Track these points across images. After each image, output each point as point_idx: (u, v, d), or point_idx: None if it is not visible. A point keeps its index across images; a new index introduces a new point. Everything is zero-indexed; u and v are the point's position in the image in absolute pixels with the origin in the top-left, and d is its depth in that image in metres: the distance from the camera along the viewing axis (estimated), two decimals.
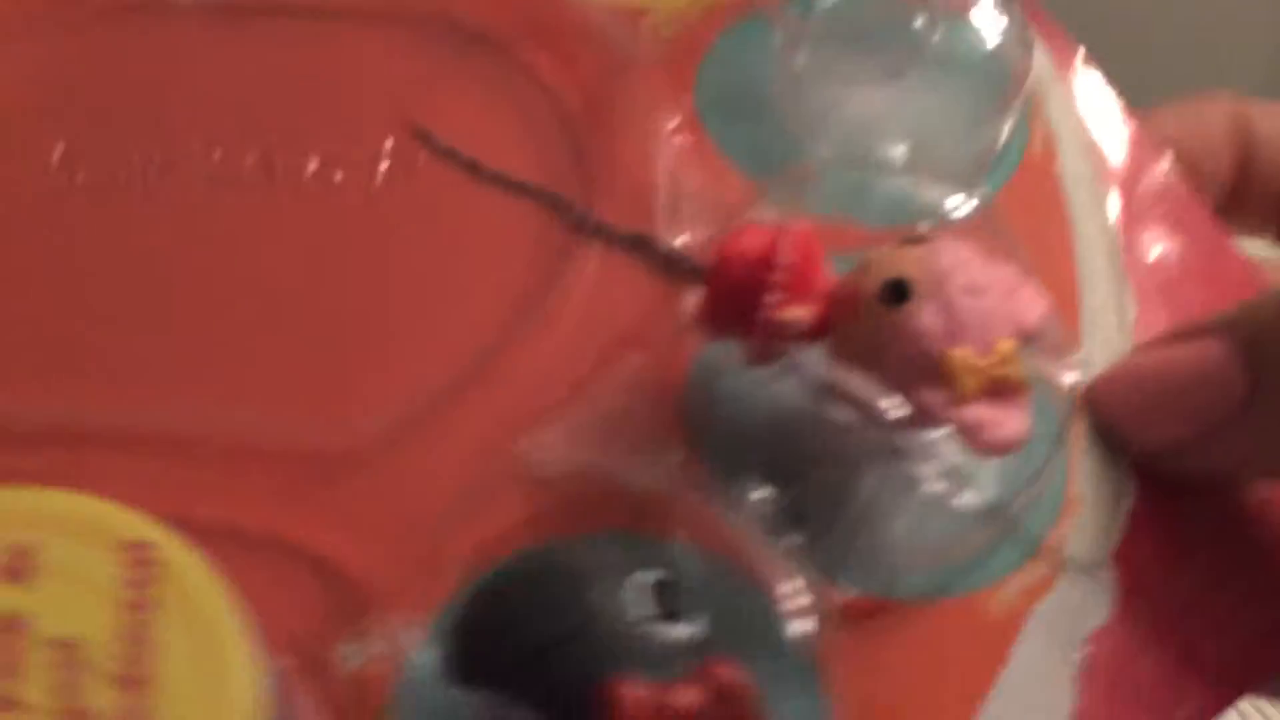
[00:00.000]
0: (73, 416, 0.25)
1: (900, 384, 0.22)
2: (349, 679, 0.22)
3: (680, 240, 0.27)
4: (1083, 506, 0.25)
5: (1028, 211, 0.29)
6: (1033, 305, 0.23)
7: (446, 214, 0.28)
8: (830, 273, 0.24)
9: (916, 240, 0.24)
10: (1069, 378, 0.25)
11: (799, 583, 0.21)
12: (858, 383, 0.23)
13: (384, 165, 0.29)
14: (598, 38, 0.31)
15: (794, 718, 0.21)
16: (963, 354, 0.22)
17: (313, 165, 0.29)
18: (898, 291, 0.22)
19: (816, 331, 0.23)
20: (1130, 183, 0.29)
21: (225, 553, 0.21)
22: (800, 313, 0.23)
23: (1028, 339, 0.23)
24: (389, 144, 0.29)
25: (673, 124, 0.29)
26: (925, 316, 0.22)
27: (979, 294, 0.22)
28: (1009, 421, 0.22)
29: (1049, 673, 0.23)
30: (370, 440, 0.25)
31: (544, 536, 0.23)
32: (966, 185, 0.27)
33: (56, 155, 0.29)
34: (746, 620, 0.21)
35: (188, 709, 0.17)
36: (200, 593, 0.18)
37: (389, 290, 0.27)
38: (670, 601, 0.20)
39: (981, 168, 0.29)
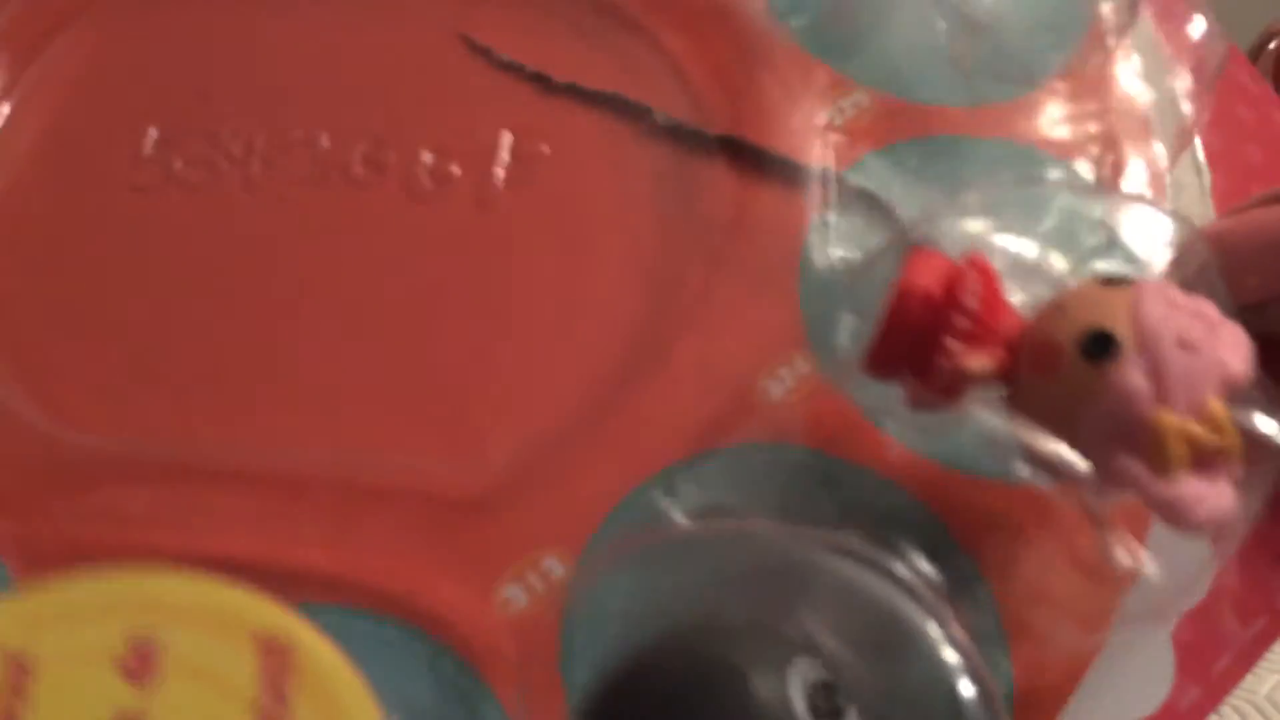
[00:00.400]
0: (164, 447, 0.23)
1: (1096, 447, 0.20)
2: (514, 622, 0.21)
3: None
4: None
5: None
6: (1237, 348, 0.21)
7: (567, 220, 0.26)
8: (1015, 314, 0.21)
9: (1116, 282, 0.21)
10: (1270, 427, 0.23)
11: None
12: (1043, 441, 0.20)
13: (502, 159, 0.27)
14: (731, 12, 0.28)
15: None
16: (1177, 420, 0.19)
17: (427, 159, 0.27)
18: (1104, 345, 0.20)
19: (998, 378, 0.21)
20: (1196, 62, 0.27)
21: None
22: (986, 361, 0.21)
23: (1235, 391, 0.20)
24: (506, 139, 0.27)
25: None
26: (1135, 375, 0.20)
27: (1191, 350, 0.20)
28: (1219, 496, 0.20)
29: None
30: (497, 481, 0.23)
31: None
32: None
33: (150, 143, 0.27)
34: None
35: None
36: (341, 693, 0.16)
37: (510, 308, 0.25)
38: (831, 701, 0.17)
39: None
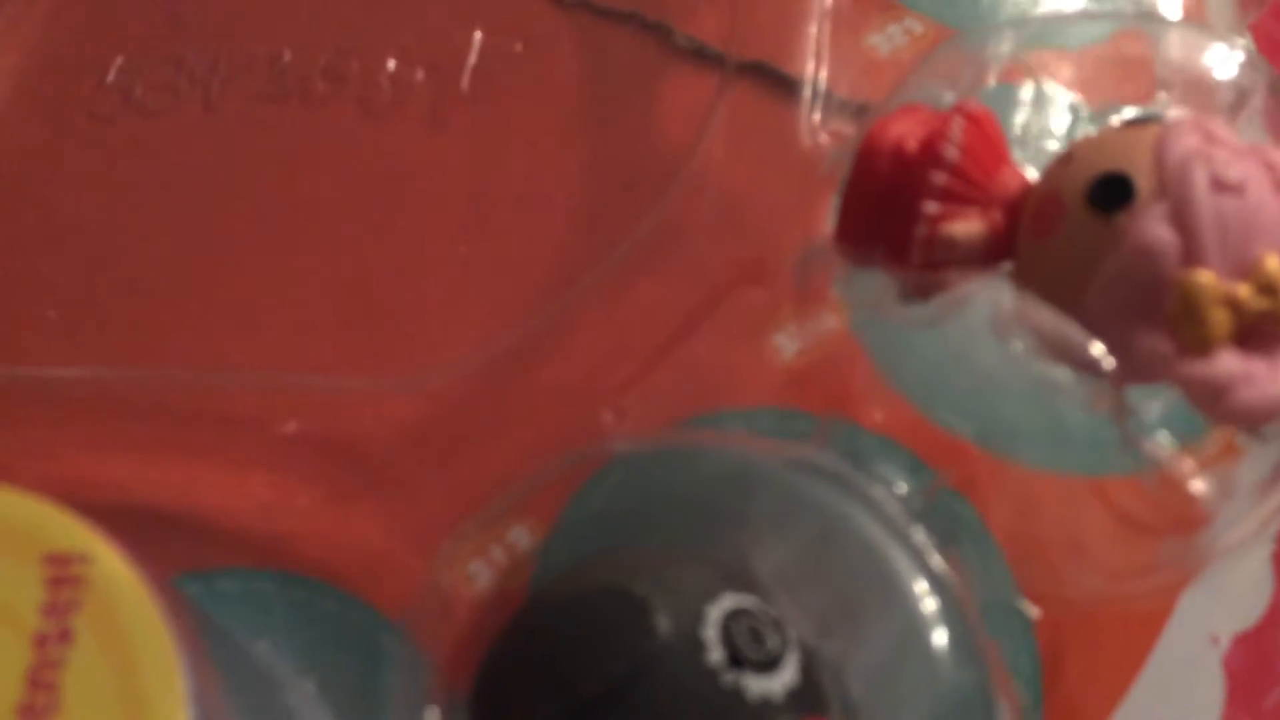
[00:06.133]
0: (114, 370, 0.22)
1: (1111, 322, 0.16)
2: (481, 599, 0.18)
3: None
4: None
5: None
6: None
7: (540, 121, 0.23)
8: (1016, 171, 0.17)
9: (1142, 123, 0.17)
10: None
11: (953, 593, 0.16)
12: (1053, 322, 0.16)
13: (470, 62, 0.24)
14: None
15: None
16: (1212, 279, 0.15)
17: (391, 66, 0.24)
18: (1115, 190, 0.16)
19: (997, 252, 0.17)
20: None
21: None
22: (973, 226, 0.17)
23: None
24: (478, 38, 0.24)
25: None
26: (1155, 226, 0.15)
27: (1233, 192, 0.16)
28: (1273, 378, 0.15)
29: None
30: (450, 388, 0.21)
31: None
32: None
33: (113, 71, 0.25)
34: (871, 655, 0.15)
35: None
36: (133, 632, 0.14)
37: (478, 216, 0.23)
38: (750, 643, 0.14)
39: None
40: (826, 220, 0.19)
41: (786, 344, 0.20)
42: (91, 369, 0.22)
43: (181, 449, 0.22)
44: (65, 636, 0.14)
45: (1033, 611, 0.18)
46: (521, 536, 0.19)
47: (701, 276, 0.21)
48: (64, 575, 0.14)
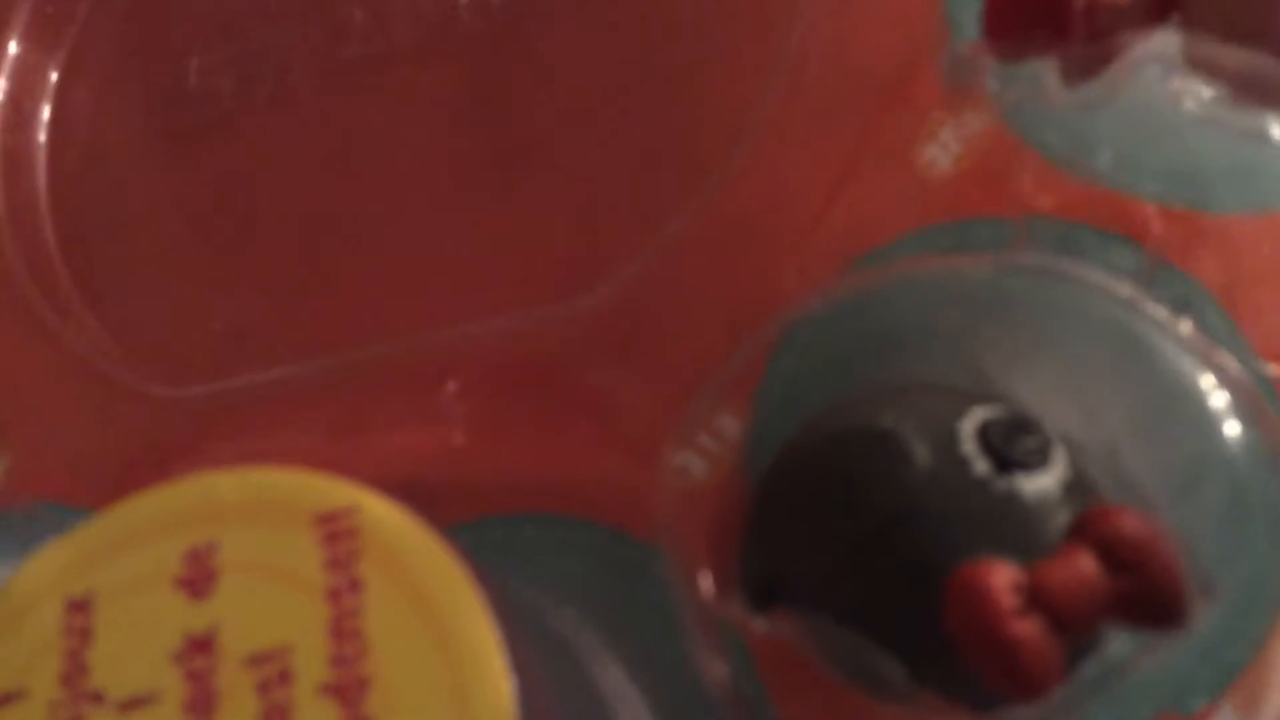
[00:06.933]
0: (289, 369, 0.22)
1: None
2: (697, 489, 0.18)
3: None
4: None
5: None
6: None
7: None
8: None
9: None
10: None
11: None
12: (1242, 59, 0.15)
13: None
14: None
15: (1248, 578, 0.14)
16: None
17: None
18: None
19: (1162, 5, 0.16)
20: None
21: None
22: None
23: None
24: None
25: None
26: None
27: None
28: None
29: None
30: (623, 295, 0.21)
31: None
32: None
33: (192, 74, 0.26)
34: (1144, 429, 0.15)
35: (420, 704, 0.13)
36: (415, 562, 0.14)
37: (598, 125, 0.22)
38: (1015, 444, 0.14)
39: None
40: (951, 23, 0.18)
41: (940, 156, 0.20)
42: (269, 370, 0.23)
43: (371, 423, 0.22)
44: (356, 585, 0.14)
45: (1272, 369, 0.17)
46: (729, 424, 0.19)
47: (842, 115, 0.21)
48: (338, 530, 0.14)
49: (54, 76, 0.27)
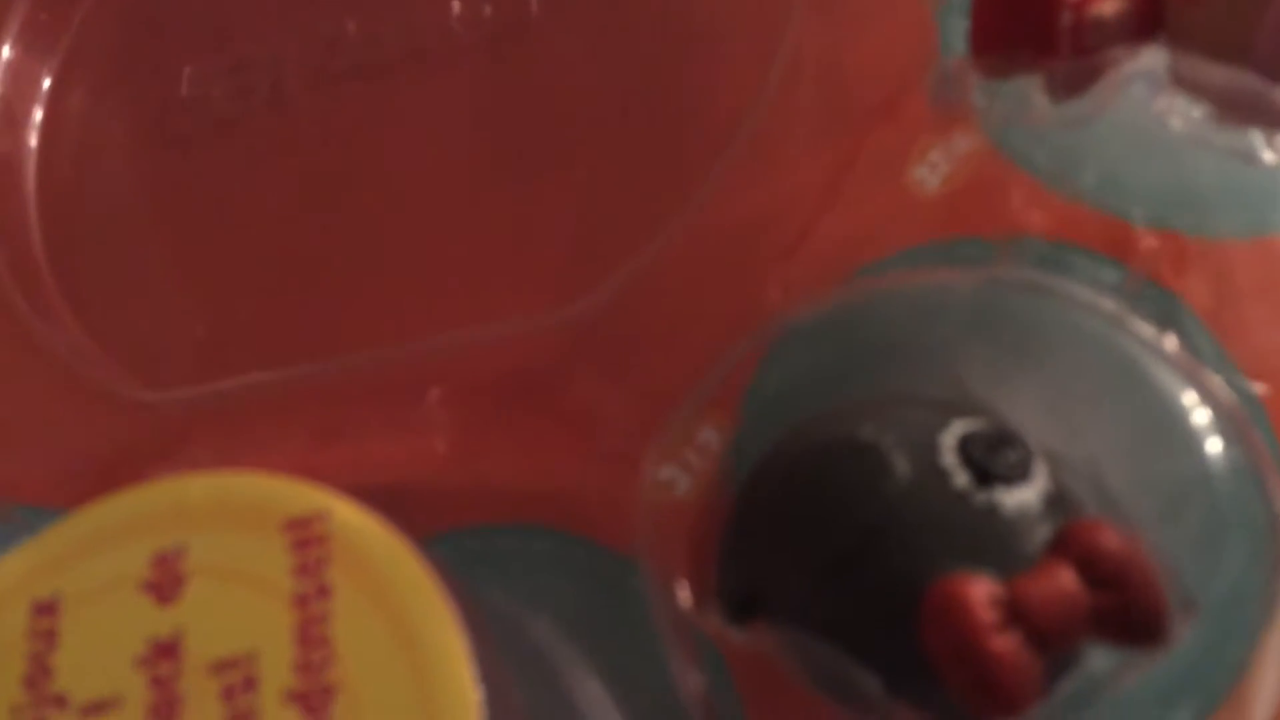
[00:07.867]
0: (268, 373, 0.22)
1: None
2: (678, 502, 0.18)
3: None
4: None
5: None
6: None
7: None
8: None
9: None
10: None
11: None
12: (1227, 77, 0.15)
13: None
14: None
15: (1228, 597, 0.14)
16: None
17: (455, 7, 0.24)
18: None
19: (1148, 23, 0.16)
20: None
21: None
22: (1118, 2, 0.16)
23: None
24: None
25: None
26: None
27: None
28: None
29: None
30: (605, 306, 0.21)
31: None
32: None
33: (185, 83, 0.26)
34: (1125, 447, 0.15)
35: (386, 712, 0.13)
36: (383, 567, 0.14)
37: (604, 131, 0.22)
38: (996, 458, 0.14)
39: None
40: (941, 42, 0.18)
41: (929, 176, 0.20)
42: (251, 375, 0.23)
43: (353, 430, 0.22)
44: (324, 592, 0.14)
45: (1258, 388, 0.17)
46: (712, 437, 0.19)
47: (831, 133, 0.21)
48: (307, 536, 0.14)
49: (47, 82, 0.27)
